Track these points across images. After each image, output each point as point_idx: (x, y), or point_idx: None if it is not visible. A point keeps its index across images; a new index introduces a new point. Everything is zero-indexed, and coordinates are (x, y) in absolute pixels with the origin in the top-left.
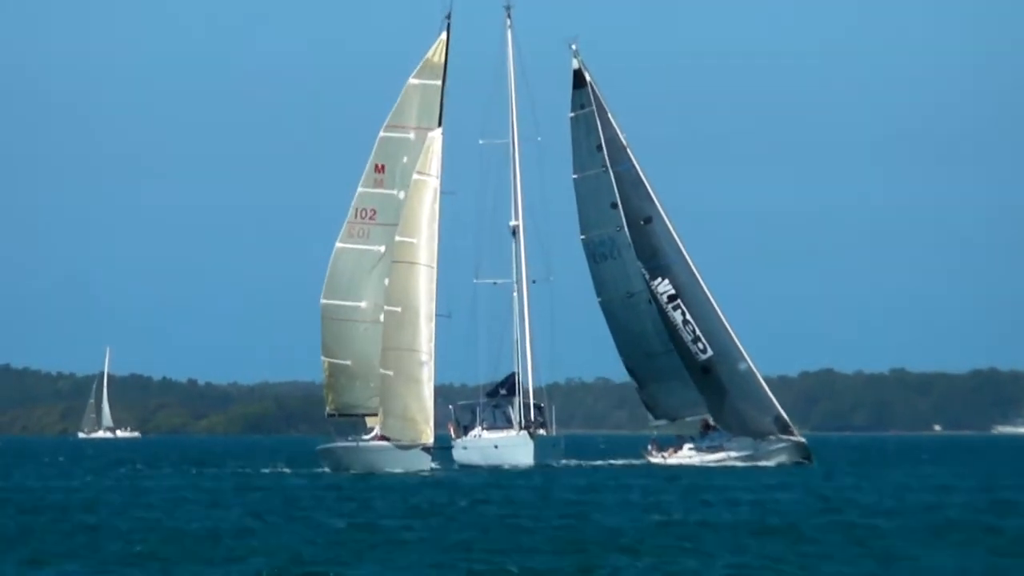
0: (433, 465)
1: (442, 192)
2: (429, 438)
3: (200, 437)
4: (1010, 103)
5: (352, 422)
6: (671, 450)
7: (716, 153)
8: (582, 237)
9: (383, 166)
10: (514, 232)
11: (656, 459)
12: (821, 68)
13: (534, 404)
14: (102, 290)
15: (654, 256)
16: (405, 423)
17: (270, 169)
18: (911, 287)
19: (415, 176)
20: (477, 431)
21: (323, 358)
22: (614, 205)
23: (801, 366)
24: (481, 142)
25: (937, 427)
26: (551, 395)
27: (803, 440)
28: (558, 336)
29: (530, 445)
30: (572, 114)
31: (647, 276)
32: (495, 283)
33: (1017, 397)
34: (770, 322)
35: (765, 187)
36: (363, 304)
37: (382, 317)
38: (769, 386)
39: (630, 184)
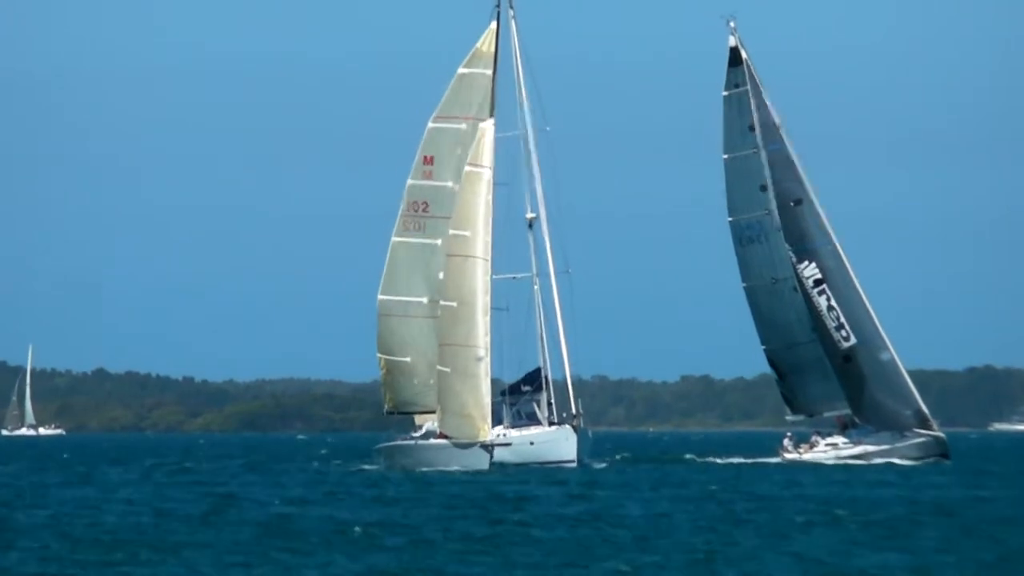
0: (494, 462)
1: (495, 184)
2: (487, 435)
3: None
4: (991, 101)
5: (406, 419)
6: (806, 446)
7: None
8: (729, 219)
9: (431, 157)
10: (531, 224)
11: (792, 455)
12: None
13: (548, 401)
14: (100, 288)
15: (802, 239)
16: (463, 420)
17: (271, 169)
18: (906, 284)
19: (467, 168)
20: (500, 430)
21: (379, 355)
22: (763, 187)
23: None
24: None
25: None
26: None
27: (943, 436)
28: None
29: (573, 439)
30: (725, 93)
31: (794, 259)
32: (514, 278)
33: (1014, 395)
34: None
35: None
36: (424, 299)
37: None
38: (761, 384)
39: (781, 165)
